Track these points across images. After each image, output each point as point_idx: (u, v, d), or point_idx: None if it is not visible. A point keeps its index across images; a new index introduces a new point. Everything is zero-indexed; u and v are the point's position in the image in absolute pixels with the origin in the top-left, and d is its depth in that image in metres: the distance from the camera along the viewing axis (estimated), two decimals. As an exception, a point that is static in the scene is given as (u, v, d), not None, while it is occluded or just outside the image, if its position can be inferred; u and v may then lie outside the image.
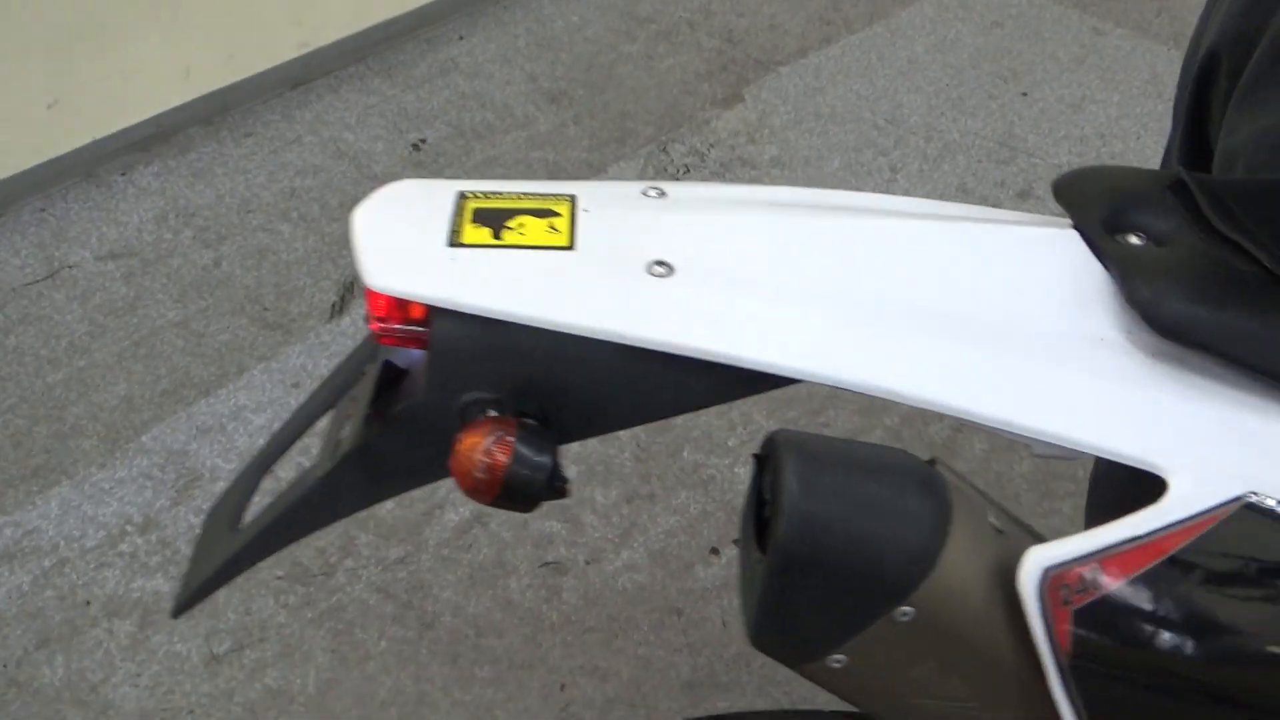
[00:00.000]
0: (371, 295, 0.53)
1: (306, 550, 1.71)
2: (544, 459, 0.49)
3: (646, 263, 0.52)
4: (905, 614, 0.48)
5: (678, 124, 2.47)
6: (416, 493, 1.78)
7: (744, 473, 1.85)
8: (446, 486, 1.83)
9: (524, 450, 0.49)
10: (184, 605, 0.64)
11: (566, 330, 0.50)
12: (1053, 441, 0.49)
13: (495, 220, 0.54)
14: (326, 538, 1.72)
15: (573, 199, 0.55)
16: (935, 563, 0.48)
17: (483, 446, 0.49)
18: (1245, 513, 0.49)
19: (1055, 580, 0.47)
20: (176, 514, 1.76)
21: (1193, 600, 0.47)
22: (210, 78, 2.36)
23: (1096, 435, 0.49)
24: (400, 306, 0.53)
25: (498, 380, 0.52)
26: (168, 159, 2.34)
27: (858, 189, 2.42)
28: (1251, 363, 0.50)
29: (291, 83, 2.50)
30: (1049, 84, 2.59)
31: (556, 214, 0.54)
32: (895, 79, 2.60)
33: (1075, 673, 0.47)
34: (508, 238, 0.53)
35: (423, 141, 2.42)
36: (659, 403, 0.52)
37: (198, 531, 1.72)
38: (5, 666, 1.57)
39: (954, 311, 0.52)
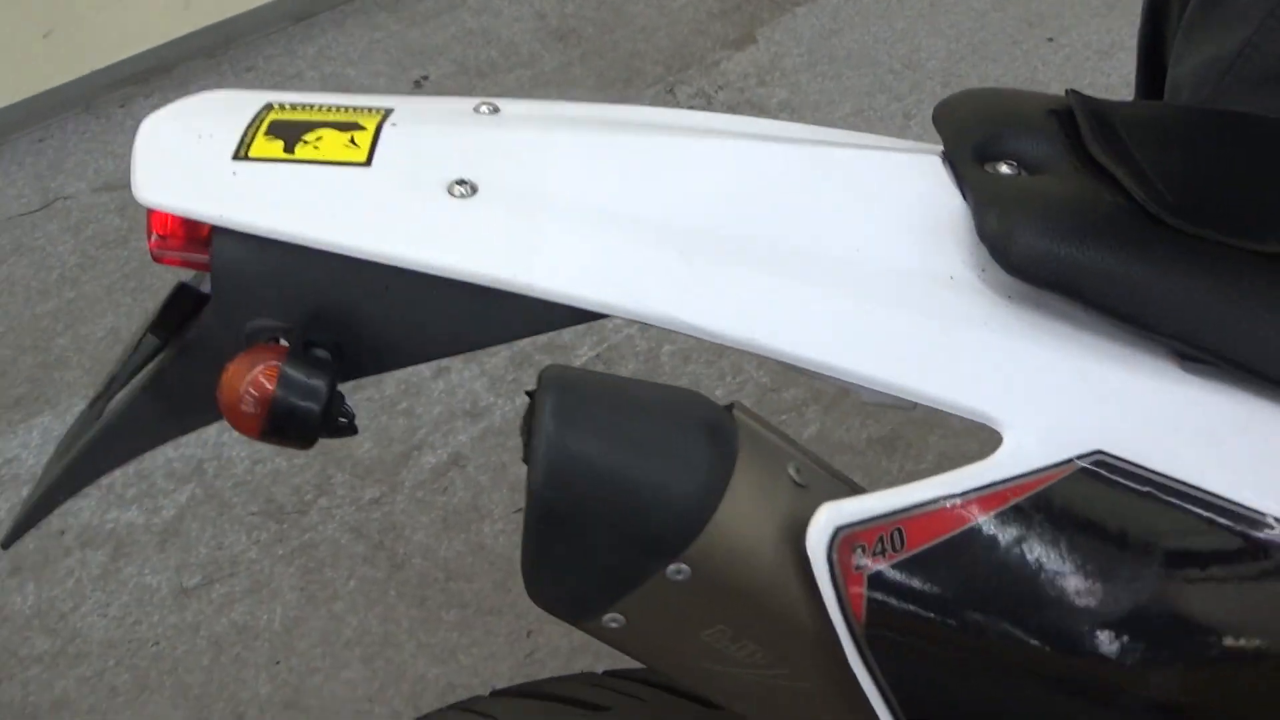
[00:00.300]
0: (153, 212, 0.49)
1: (282, 487, 1.70)
2: (316, 385, 0.44)
3: (447, 182, 0.47)
4: (680, 572, 0.44)
5: (686, 65, 2.40)
6: (395, 433, 1.76)
7: (729, 422, 1.80)
8: (426, 427, 1.80)
9: (293, 375, 0.44)
10: (10, 537, 0.61)
11: (351, 254, 0.46)
12: (875, 388, 0.44)
13: (291, 133, 0.49)
14: (302, 476, 1.71)
15: (385, 113, 0.51)
16: (710, 516, 0.43)
17: (248, 374, 0.45)
18: (1087, 473, 0.43)
19: (848, 541, 0.42)
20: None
21: (1010, 569, 0.42)
22: (211, 10, 2.33)
23: (924, 382, 0.44)
24: (188, 225, 0.49)
25: (283, 307, 0.47)
26: (167, 92, 2.31)
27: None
28: (1109, 306, 0.44)
29: (294, 16, 2.46)
30: (1077, 29, 2.47)
31: (361, 128, 0.50)
32: (915, 21, 2.50)
33: (872, 643, 0.43)
34: (300, 152, 0.48)
35: (425, 79, 2.38)
36: (457, 335, 0.48)
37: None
38: (-23, 593, 1.58)
39: (788, 243, 0.47)
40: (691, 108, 2.31)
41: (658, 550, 0.44)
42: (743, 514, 0.44)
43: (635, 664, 0.77)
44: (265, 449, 1.72)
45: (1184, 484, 0.44)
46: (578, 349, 1.88)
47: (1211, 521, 0.44)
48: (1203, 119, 0.55)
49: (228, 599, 1.57)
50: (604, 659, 1.63)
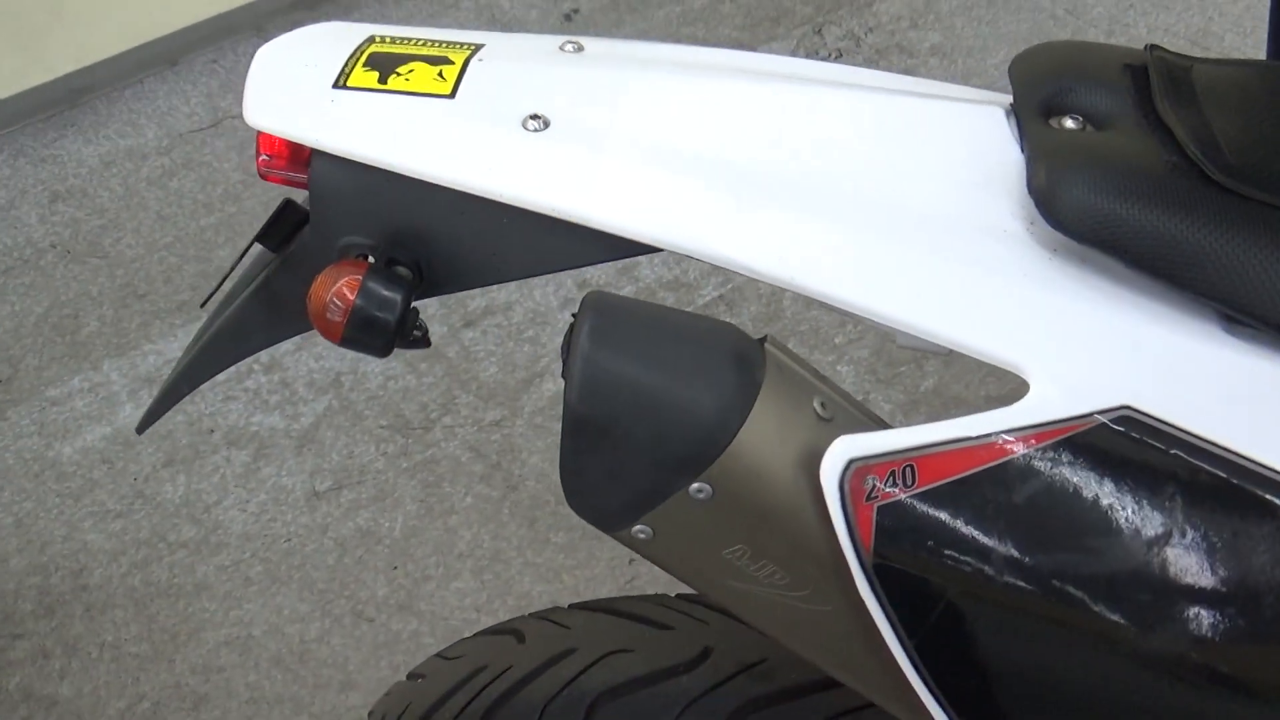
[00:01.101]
0: (261, 134, 0.53)
1: (410, 404, 1.79)
2: (392, 298, 0.49)
3: (522, 116, 0.50)
4: (702, 490, 0.46)
5: (838, 5, 2.36)
6: (519, 359, 1.83)
7: (847, 372, 1.81)
8: (550, 355, 1.86)
9: (373, 288, 0.49)
10: (143, 424, 0.68)
11: (429, 179, 0.50)
12: (909, 332, 0.46)
13: (386, 65, 0.53)
14: (429, 394, 1.79)
15: (475, 48, 0.54)
16: (731, 439, 0.46)
17: (333, 285, 0.49)
18: (1108, 429, 0.44)
19: (860, 472, 0.44)
20: (299, 357, 1.86)
21: (1015, 514, 0.44)
22: (375, -61, 2.40)
23: (955, 329, 0.45)
24: (292, 147, 0.54)
25: (371, 226, 0.52)
26: (334, 16, 2.40)
27: (1021, 85, 2.26)
28: (1152, 265, 0.44)
29: (456, -54, 2.51)
30: (1259, -22, 2.33)
31: (450, 62, 0.53)
32: (1083, -34, 2.40)
33: (879, 573, 0.45)
34: (393, 83, 0.52)
35: (575, 11, 2.41)
36: (523, 260, 0.51)
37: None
38: (135, 480, 1.72)
39: (839, 188, 0.48)
40: (839, 49, 2.29)
41: (681, 468, 0.47)
42: (764, 439, 0.46)
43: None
44: (397, 366, 1.81)
45: (1216, 445, 0.44)
46: (701, 289, 1.90)
47: (1241, 486, 0.44)
48: (1288, 80, 0.53)
49: (354, 505, 1.67)
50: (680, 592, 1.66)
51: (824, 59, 2.28)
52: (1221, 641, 0.44)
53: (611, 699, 0.73)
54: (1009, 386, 1.56)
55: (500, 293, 1.88)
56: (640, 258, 1.93)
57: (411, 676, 0.87)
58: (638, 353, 0.47)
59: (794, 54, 2.28)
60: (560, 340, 1.97)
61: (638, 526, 0.49)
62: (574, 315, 0.49)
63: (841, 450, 0.44)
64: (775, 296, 1.89)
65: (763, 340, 0.50)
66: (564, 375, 0.47)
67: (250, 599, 1.57)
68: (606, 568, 1.59)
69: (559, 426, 1.78)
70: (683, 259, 2.05)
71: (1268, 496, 0.45)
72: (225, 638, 1.54)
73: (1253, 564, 0.44)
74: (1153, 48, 0.52)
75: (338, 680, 1.50)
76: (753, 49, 2.52)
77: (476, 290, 1.99)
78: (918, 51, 2.27)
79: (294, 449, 1.73)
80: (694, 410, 0.46)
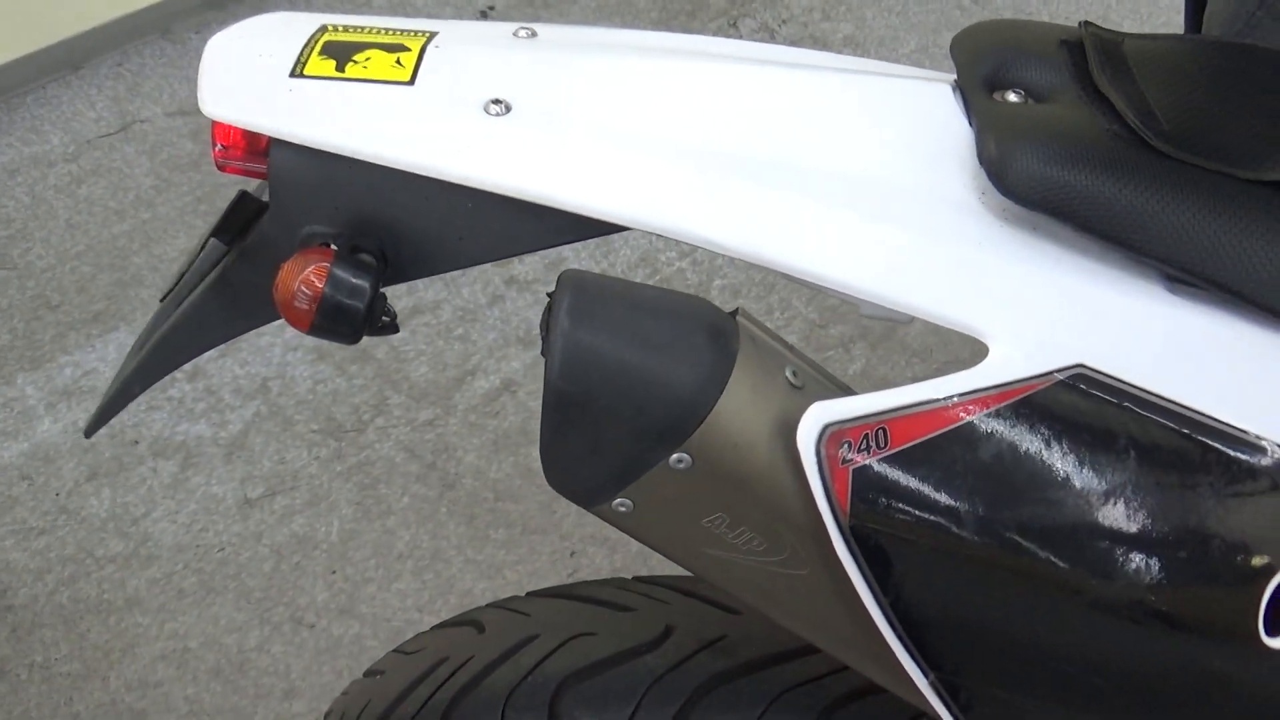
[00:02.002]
0: (216, 125, 0.53)
1: (341, 407, 1.77)
2: (360, 284, 0.49)
3: (484, 101, 0.51)
4: (681, 461, 0.48)
5: (751, -1, 2.40)
6: (450, 358, 1.82)
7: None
8: (481, 353, 1.86)
9: (341, 275, 0.49)
10: (91, 427, 0.67)
11: (392, 165, 0.50)
12: (870, 300, 0.47)
13: (343, 53, 0.53)
14: (360, 396, 1.77)
15: (430, 35, 0.54)
16: (709, 410, 0.47)
17: (300, 273, 0.49)
18: (1065, 386, 0.46)
19: (835, 437, 0.45)
20: (223, 364, 1.83)
21: (986, 470, 0.46)
22: (282, -62, 2.37)
23: (916, 295, 0.47)
24: (249, 137, 0.53)
25: (333, 214, 0.52)
26: (241, 17, 2.36)
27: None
28: (1099, 229, 0.47)
29: (364, -55, 2.48)
30: (1153, -34, 2.42)
31: (406, 49, 0.53)
32: (986, -43, 2.46)
33: (856, 533, 0.46)
34: (350, 70, 0.52)
35: (491, 9, 2.40)
36: (490, 243, 0.51)
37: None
38: (58, 495, 1.67)
39: (798, 163, 0.50)
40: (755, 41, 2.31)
41: (661, 440, 0.48)
42: (740, 409, 0.47)
43: (660, 574, 0.81)
44: (326, 369, 1.79)
45: (1164, 399, 0.47)
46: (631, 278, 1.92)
47: (1189, 436, 0.47)
48: (1212, 50, 0.56)
49: (288, 511, 1.65)
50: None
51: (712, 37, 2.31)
52: (1176, 585, 0.47)
53: (576, 682, 0.73)
54: (934, 366, 1.61)
55: (428, 291, 1.87)
56: (567, 252, 1.94)
57: (369, 674, 0.86)
58: (616, 328, 0.47)
59: (710, 47, 2.31)
60: (492, 335, 1.95)
61: (618, 500, 0.49)
62: (549, 294, 0.49)
63: (816, 416, 0.46)
64: (702, 286, 1.91)
65: (734, 313, 0.51)
66: (543, 353, 0.48)
67: (185, 611, 1.54)
68: (548, 561, 1.59)
69: (493, 424, 1.78)
70: (610, 253, 2.04)
71: (1212, 444, 0.47)
72: (161, 652, 1.50)
73: (1201, 510, 0.47)
74: (1086, 24, 0.55)
75: (280, 689, 1.48)
76: (671, 42, 2.51)
77: (403, 290, 1.97)
78: (831, 42, 2.31)
79: (223, 457, 1.70)
80: (673, 382, 0.47)
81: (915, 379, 1.68)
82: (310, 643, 1.52)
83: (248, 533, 1.63)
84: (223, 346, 1.88)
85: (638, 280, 1.96)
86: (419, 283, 1.99)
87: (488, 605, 0.84)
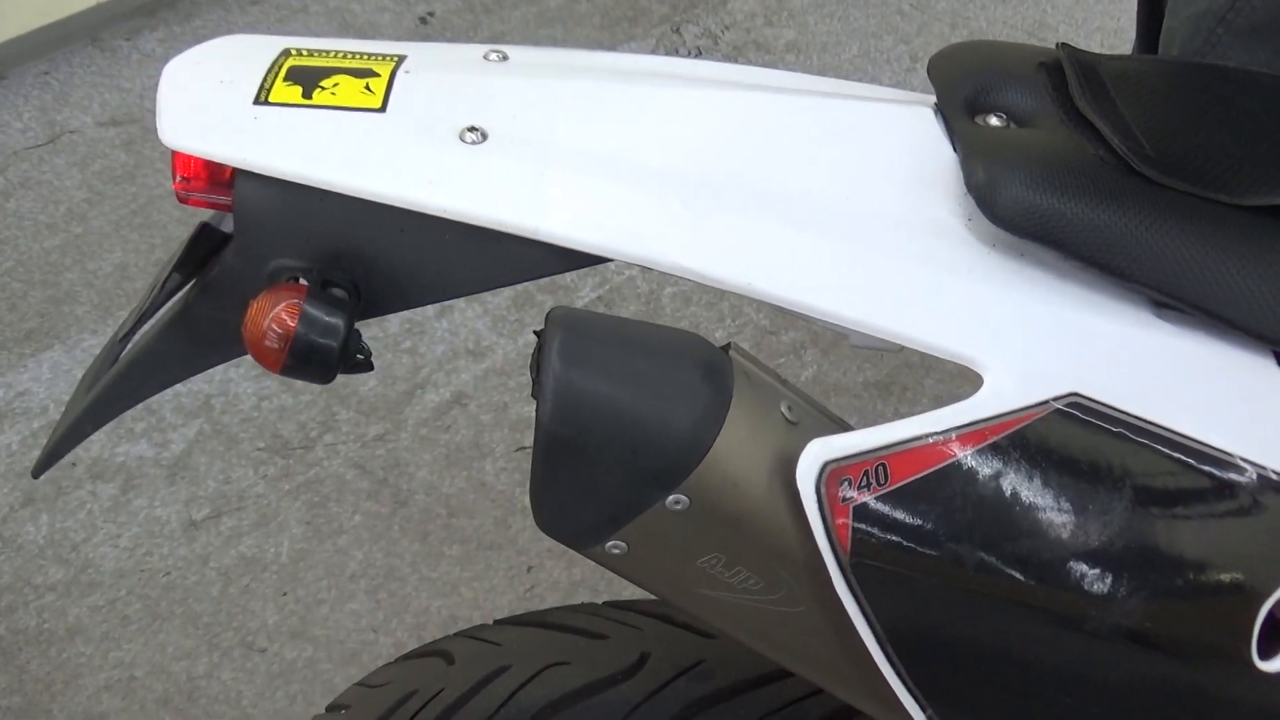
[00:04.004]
0: (177, 155, 0.51)
1: (288, 424, 1.73)
2: (334, 323, 0.47)
3: (459, 129, 0.49)
4: (679, 502, 0.46)
5: (693, 3, 2.39)
6: (399, 371, 1.79)
7: (729, 365, 1.83)
8: (430, 366, 1.83)
9: (313, 313, 0.47)
10: (40, 467, 0.64)
11: (365, 197, 0.48)
12: (862, 330, 0.46)
13: (309, 79, 0.51)
14: (307, 413, 1.74)
15: (399, 59, 0.53)
16: (707, 451, 0.46)
17: (270, 311, 0.47)
18: (1061, 414, 0.46)
19: (835, 474, 0.45)
20: (164, 383, 1.78)
21: (988, 503, 0.45)
22: (215, -57, 2.31)
23: (910, 326, 0.46)
24: (211, 168, 0.51)
25: (303, 247, 0.50)
26: (173, 25, 2.31)
27: (874, 77, 2.33)
28: (1087, 255, 0.46)
29: (300, -49, 2.44)
30: (1087, -28, 2.46)
31: (376, 74, 0.51)
32: (925, -38, 2.48)
33: (857, 571, 0.45)
34: (318, 97, 0.50)
35: (430, 15, 2.37)
36: (468, 276, 0.50)
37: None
38: (-8, 522, 1.61)
39: (784, 191, 0.49)
40: (698, 47, 2.31)
41: (658, 481, 0.46)
42: (737, 448, 0.46)
43: (633, 599, 0.80)
44: (271, 385, 1.75)
45: (1155, 425, 0.46)
46: (580, 290, 1.90)
47: (1180, 461, 0.47)
48: (1188, 73, 0.56)
49: (235, 532, 1.61)
50: (602, 594, 1.67)
51: (685, 58, 2.31)
52: (1172, 612, 0.47)
53: (552, 714, 0.72)
54: (885, 371, 1.62)
55: (375, 304, 1.84)
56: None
57: (332, 708, 0.84)
58: (609, 369, 0.46)
59: (654, 54, 2.30)
60: (441, 348, 1.92)
61: (612, 542, 0.48)
62: (537, 333, 0.48)
63: (816, 453, 0.45)
64: (653, 295, 1.90)
65: (727, 348, 0.50)
66: (534, 394, 0.46)
67: (130, 639, 1.50)
68: (504, 578, 1.57)
69: (445, 438, 1.75)
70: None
71: (1203, 469, 0.47)
72: (105, 682, 1.46)
73: (1195, 535, 0.46)
74: (1063, 46, 0.55)
75: (231, 716, 1.44)
76: (613, 49, 2.55)
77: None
78: (774, 48, 2.31)
79: (165, 478, 1.66)
80: (670, 423, 0.46)
81: (867, 383, 1.68)
82: (262, 667, 1.48)
83: (194, 556, 1.58)
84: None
85: (588, 291, 1.94)
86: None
87: (455, 634, 0.82)
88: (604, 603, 0.81)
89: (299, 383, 1.80)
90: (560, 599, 1.55)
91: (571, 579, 1.57)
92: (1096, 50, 0.55)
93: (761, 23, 2.36)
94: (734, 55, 2.30)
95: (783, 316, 1.88)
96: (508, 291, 1.89)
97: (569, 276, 1.91)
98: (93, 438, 1.87)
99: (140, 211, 2.00)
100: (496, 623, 0.82)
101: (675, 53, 2.31)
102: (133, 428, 1.71)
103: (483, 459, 1.69)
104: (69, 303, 1.87)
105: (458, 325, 1.84)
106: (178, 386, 1.76)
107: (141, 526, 1.61)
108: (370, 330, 1.94)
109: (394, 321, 1.83)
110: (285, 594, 1.55)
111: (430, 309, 1.86)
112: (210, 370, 1.67)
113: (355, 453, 1.70)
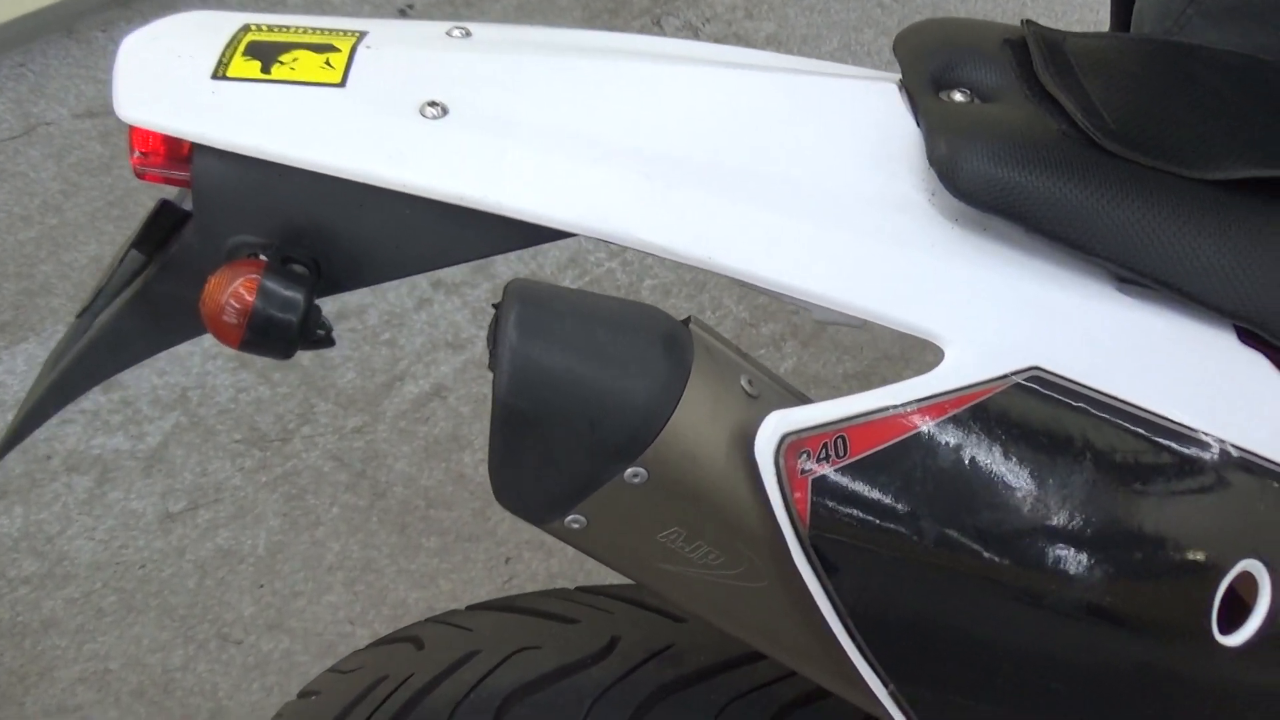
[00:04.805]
0: (134, 130, 0.50)
1: (265, 416, 1.72)
2: (293, 297, 0.46)
3: (419, 103, 0.49)
4: (637, 475, 0.46)
5: (674, -4, 2.39)
6: (377, 363, 1.78)
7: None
8: (409, 358, 1.82)
9: (272, 287, 0.46)
10: (1, 449, 0.63)
11: (324, 171, 0.47)
12: (825, 305, 0.46)
13: (268, 53, 0.50)
14: (285, 404, 1.73)
15: (360, 35, 0.52)
16: (665, 423, 0.46)
17: (228, 286, 0.47)
18: (1022, 388, 0.46)
19: (793, 447, 0.44)
20: (141, 374, 1.77)
21: (947, 476, 0.45)
22: (192, -66, 2.30)
23: (872, 300, 0.46)
24: (170, 143, 0.50)
25: (262, 223, 0.49)
26: (149, 16, 2.28)
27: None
28: (1049, 229, 0.46)
29: (278, -58, 2.43)
30: (1067, -35, 2.47)
31: (336, 49, 0.51)
32: (906, -45, 2.49)
33: (816, 544, 0.45)
34: (277, 72, 0.50)
35: (410, 7, 2.36)
36: (429, 252, 0.49)
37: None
38: (-35, 515, 1.60)
39: (746, 166, 0.49)
40: (676, 42, 2.31)
41: (616, 454, 0.46)
42: (696, 421, 0.46)
43: (605, 584, 0.80)
44: (249, 378, 1.74)
45: (1116, 399, 0.46)
46: (560, 281, 1.90)
47: (1141, 435, 0.47)
48: (1152, 50, 0.56)
49: (212, 524, 1.60)
50: (580, 584, 1.66)
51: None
52: (1132, 585, 0.47)
53: (522, 697, 0.71)
54: (864, 362, 1.62)
55: (353, 296, 1.83)
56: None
57: (304, 694, 0.83)
58: (566, 340, 0.46)
59: (634, 45, 2.30)
60: (420, 340, 1.92)
61: (571, 516, 0.48)
62: (495, 305, 0.47)
63: (774, 426, 0.45)
64: (633, 286, 1.90)
65: (687, 321, 0.50)
66: (490, 367, 0.46)
67: (105, 631, 1.49)
68: (483, 569, 1.57)
69: (424, 430, 1.75)
70: (539, 254, 2.02)
71: (1164, 443, 0.47)
72: (80, 674, 1.45)
73: (1155, 509, 0.46)
74: (1028, 23, 0.55)
75: (207, 708, 1.43)
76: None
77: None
78: (754, 41, 2.31)
79: (142, 470, 1.65)
80: (628, 396, 0.45)
81: (846, 375, 1.69)
82: (238, 660, 1.47)
83: (170, 548, 1.58)
84: (139, 356, 1.82)
85: (567, 283, 1.94)
86: (343, 287, 1.95)
87: (426, 620, 0.81)
88: (576, 587, 0.81)
89: (277, 374, 1.79)
90: (539, 589, 1.55)
91: (550, 570, 1.57)
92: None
93: (742, 15, 2.36)
94: (714, 48, 2.29)
95: (763, 309, 1.88)
96: (487, 284, 1.88)
97: (549, 267, 1.90)
98: (68, 430, 1.85)
99: (116, 203, 1.99)
100: (468, 608, 0.81)
101: (656, 45, 2.31)
102: (109, 420, 1.70)
103: (461, 451, 1.68)
104: (44, 295, 1.86)
105: (437, 317, 1.84)
106: (153, 378, 1.75)
107: (117, 519, 1.60)
108: (349, 322, 1.93)
109: (373, 313, 1.83)
110: (262, 586, 1.54)
111: (408, 301, 1.86)
112: (188, 363, 1.66)
113: (333, 445, 1.69)
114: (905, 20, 2.36)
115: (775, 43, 2.29)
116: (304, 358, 1.76)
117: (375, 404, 1.74)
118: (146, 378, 1.76)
